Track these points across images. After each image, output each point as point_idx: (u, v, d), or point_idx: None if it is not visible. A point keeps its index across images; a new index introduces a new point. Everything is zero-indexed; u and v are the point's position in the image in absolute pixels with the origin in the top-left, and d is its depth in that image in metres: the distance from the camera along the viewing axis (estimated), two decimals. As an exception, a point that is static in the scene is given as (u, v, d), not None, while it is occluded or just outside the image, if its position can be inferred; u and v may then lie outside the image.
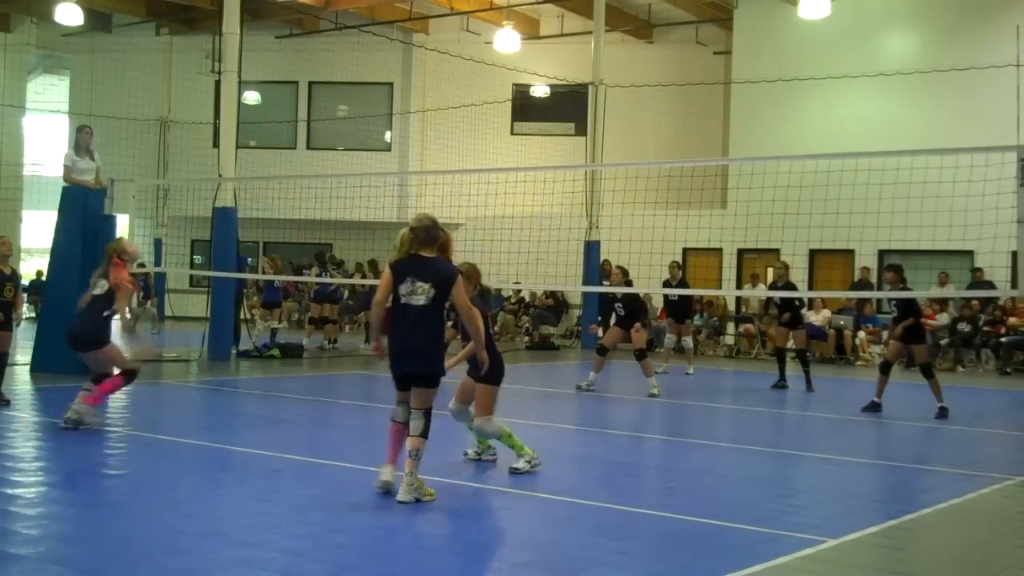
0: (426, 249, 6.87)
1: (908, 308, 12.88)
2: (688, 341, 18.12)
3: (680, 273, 17.81)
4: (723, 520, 6.74)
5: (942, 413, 12.44)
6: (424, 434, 6.88)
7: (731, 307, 23.99)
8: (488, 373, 7.60)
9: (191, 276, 27.96)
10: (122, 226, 16.43)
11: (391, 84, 28.88)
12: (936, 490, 8.14)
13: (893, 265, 13.52)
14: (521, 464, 7.86)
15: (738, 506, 7.31)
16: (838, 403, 14.31)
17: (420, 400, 6.90)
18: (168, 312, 27.67)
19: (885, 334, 17.67)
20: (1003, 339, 19.73)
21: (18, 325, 11.09)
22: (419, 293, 6.77)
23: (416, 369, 6.86)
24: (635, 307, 14.04)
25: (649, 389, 13.83)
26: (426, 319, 6.78)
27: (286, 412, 11.81)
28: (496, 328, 22.46)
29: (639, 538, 6.35)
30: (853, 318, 21.38)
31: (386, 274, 6.91)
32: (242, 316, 18.66)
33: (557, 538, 6.44)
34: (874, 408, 12.71)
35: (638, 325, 13.99)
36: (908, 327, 12.80)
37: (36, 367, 13.98)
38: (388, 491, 6.96)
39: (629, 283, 14.87)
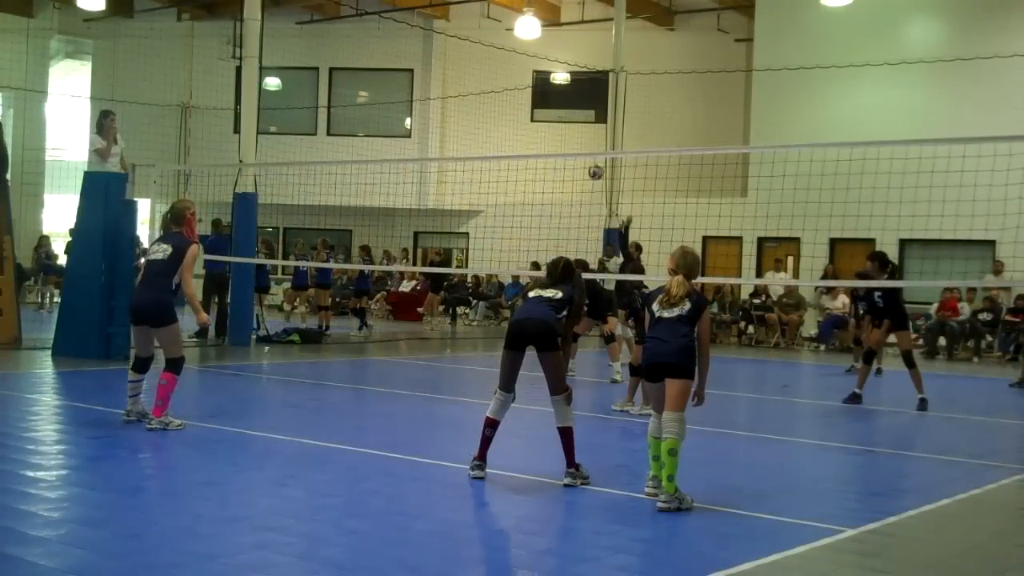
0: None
1: (889, 297, 12.48)
2: None
3: None
4: (740, 508, 6.73)
5: (922, 405, 12.11)
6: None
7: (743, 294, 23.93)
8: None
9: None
10: (144, 210, 16.55)
11: (411, 70, 28.89)
12: (956, 481, 8.10)
13: (877, 253, 13.01)
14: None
15: (754, 495, 7.29)
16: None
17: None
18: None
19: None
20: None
21: None
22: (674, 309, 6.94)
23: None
24: (598, 298, 13.84)
25: (612, 375, 13.84)
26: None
27: (305, 397, 11.86)
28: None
29: (657, 525, 6.35)
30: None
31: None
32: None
33: (575, 525, 6.45)
34: (855, 400, 12.43)
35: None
36: (892, 314, 12.45)
37: (58, 351, 14.06)
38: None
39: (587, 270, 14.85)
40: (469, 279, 27.11)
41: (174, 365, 8.89)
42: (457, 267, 27.61)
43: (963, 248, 20.86)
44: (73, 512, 6.16)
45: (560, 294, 7.53)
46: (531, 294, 7.72)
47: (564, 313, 7.48)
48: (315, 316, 20.53)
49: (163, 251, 8.95)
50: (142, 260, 9.21)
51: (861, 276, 13.84)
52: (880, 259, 12.66)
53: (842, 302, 21.19)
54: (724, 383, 15.08)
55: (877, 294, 12.55)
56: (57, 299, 22.17)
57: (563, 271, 7.73)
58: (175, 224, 9.16)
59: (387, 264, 22.43)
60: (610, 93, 23.58)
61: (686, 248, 7.26)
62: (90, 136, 14.91)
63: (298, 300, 23.58)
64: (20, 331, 15.02)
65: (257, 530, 5.81)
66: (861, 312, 15.81)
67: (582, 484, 7.20)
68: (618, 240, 18.79)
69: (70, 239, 18.83)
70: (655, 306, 7.04)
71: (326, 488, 7.00)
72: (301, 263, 20.44)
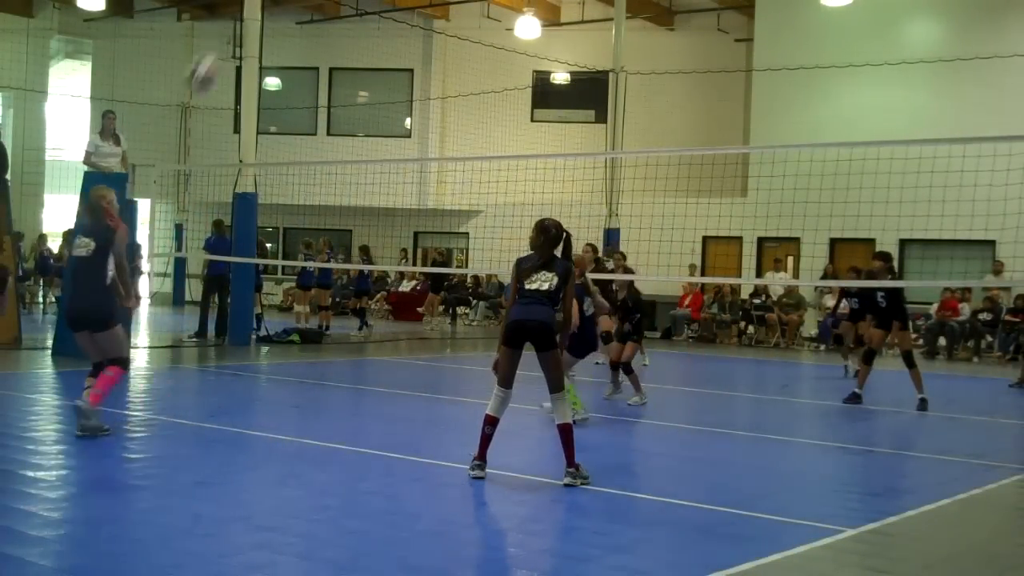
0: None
1: (894, 297, 12.43)
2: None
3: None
4: (739, 508, 6.72)
5: (922, 405, 12.07)
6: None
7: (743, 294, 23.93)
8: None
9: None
10: (144, 210, 16.54)
11: (411, 70, 28.87)
12: (956, 481, 8.10)
13: (884, 253, 12.97)
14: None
15: (754, 495, 7.29)
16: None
17: None
18: (188, 297, 27.74)
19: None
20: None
21: None
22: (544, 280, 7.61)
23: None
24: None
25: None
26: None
27: (305, 397, 11.86)
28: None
29: (656, 526, 6.35)
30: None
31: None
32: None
33: (574, 524, 6.45)
34: (855, 400, 12.41)
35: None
36: (895, 313, 12.40)
37: (58, 351, 14.06)
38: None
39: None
40: (469, 279, 27.12)
41: (122, 361, 8.55)
42: (457, 267, 27.61)
43: (963, 248, 20.84)
44: (73, 512, 6.16)
45: (556, 279, 7.41)
46: (527, 285, 7.47)
47: (561, 296, 7.40)
48: (315, 316, 20.53)
49: (85, 246, 8.40)
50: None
51: (869, 275, 13.80)
52: (883, 258, 12.67)
53: (842, 303, 21.18)
54: (724, 383, 15.10)
55: (880, 294, 12.54)
56: (53, 299, 22.24)
57: (551, 240, 7.51)
58: (91, 217, 8.56)
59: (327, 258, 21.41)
60: (610, 93, 23.55)
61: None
62: (90, 136, 14.94)
63: (294, 299, 23.42)
64: (20, 331, 15.03)
65: (257, 530, 5.81)
66: (850, 310, 15.81)
67: (582, 484, 7.19)
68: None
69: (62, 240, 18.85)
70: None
71: (326, 488, 7.00)
72: (308, 263, 20.42)
